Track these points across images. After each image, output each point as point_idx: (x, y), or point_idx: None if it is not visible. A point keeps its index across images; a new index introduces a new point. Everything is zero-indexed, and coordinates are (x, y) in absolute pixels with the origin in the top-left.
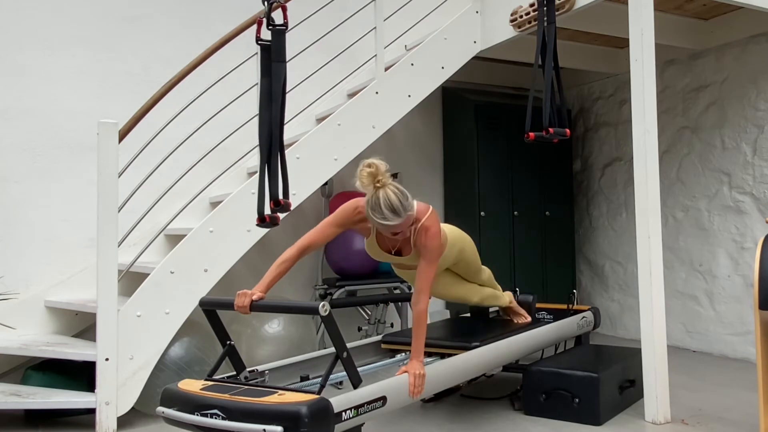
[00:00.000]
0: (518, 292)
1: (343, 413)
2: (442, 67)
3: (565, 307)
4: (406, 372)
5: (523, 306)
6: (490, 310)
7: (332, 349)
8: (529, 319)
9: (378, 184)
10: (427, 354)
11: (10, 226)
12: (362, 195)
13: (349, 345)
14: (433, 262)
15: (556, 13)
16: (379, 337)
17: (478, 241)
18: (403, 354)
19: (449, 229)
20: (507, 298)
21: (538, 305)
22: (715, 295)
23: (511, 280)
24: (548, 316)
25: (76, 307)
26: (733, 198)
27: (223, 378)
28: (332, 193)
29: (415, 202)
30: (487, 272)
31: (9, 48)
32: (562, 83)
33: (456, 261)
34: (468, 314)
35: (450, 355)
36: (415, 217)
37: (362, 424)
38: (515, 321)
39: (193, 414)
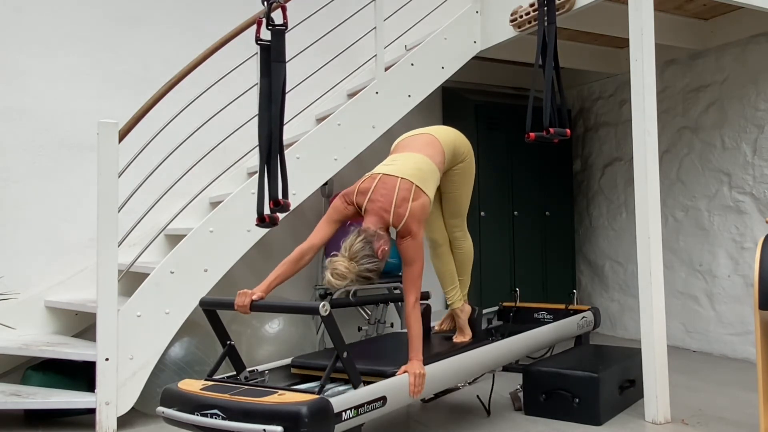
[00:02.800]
0: (518, 293)
1: (343, 413)
2: (442, 67)
3: (564, 307)
4: (406, 372)
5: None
6: (432, 326)
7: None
8: (467, 339)
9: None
10: (344, 381)
11: (10, 226)
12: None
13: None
14: (411, 263)
15: (556, 13)
16: (288, 360)
17: (478, 241)
18: (316, 383)
19: (460, 138)
20: (460, 301)
21: (537, 305)
22: (715, 295)
23: (511, 280)
24: (548, 317)
25: (76, 307)
26: (733, 198)
27: (223, 378)
28: (332, 193)
29: (394, 202)
30: (468, 241)
31: (9, 48)
32: (563, 83)
33: (449, 162)
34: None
35: (368, 382)
36: (392, 221)
37: (362, 424)
38: (455, 339)
39: (193, 414)
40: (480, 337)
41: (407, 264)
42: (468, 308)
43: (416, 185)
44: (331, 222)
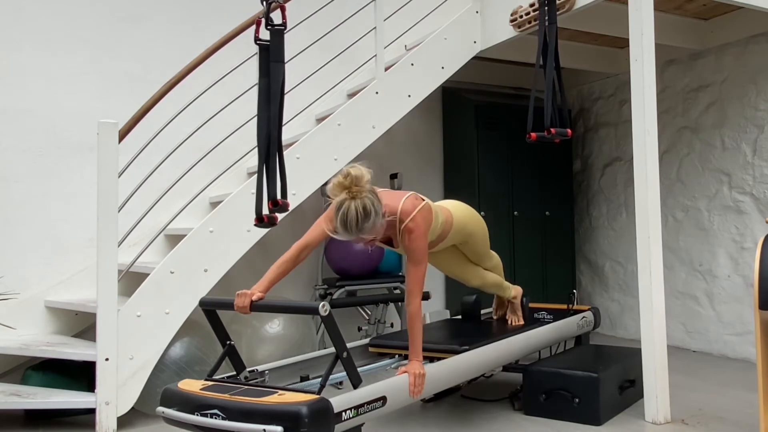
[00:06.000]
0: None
1: (343, 413)
2: (442, 67)
3: (565, 307)
4: (406, 372)
5: None
6: (482, 312)
7: (332, 349)
8: (522, 322)
9: (347, 195)
10: (404, 356)
11: (10, 226)
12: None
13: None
14: (420, 263)
15: (557, 13)
16: (366, 341)
17: None
18: (397, 357)
19: (461, 209)
20: (513, 291)
21: (537, 305)
22: (715, 295)
23: (511, 281)
24: (548, 316)
25: (76, 307)
26: (733, 198)
27: (223, 378)
28: None
29: (403, 200)
30: (495, 259)
31: (9, 48)
32: (563, 83)
33: (463, 242)
34: (459, 316)
35: (438, 358)
36: (399, 217)
37: (362, 424)
38: (508, 321)
39: (193, 414)
40: (528, 321)
41: (415, 263)
42: (518, 289)
43: (425, 201)
44: (329, 220)
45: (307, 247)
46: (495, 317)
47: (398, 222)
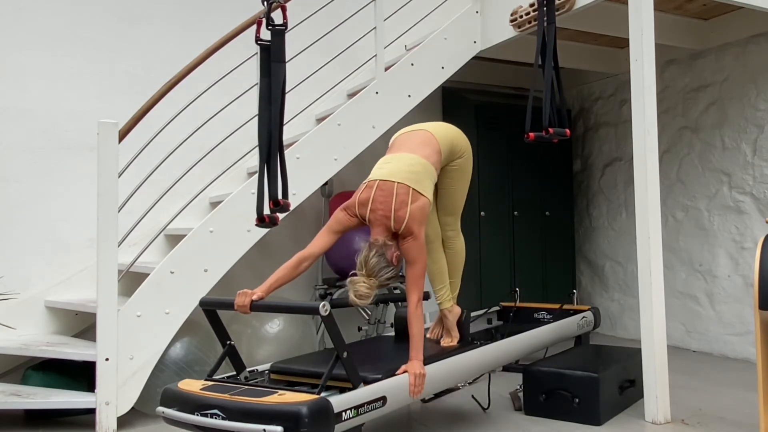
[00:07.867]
0: (518, 293)
1: (343, 413)
2: (442, 67)
3: (565, 307)
4: (406, 372)
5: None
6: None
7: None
8: (455, 343)
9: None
10: (311, 386)
11: (10, 226)
12: (353, 193)
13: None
14: (414, 263)
15: (556, 13)
16: (267, 366)
17: (478, 241)
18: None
19: (447, 130)
20: (449, 303)
21: (537, 305)
22: (715, 295)
23: (511, 280)
24: (548, 317)
25: (76, 307)
26: (733, 198)
27: (223, 378)
28: (332, 193)
29: (393, 205)
30: (459, 240)
31: (9, 48)
32: (562, 83)
33: (446, 158)
34: (393, 334)
35: (346, 389)
36: (393, 227)
37: (362, 424)
38: (442, 342)
39: (193, 414)
40: (466, 342)
41: (410, 264)
42: (457, 310)
43: (413, 188)
44: (332, 232)
45: (308, 258)
46: (429, 335)
47: (393, 228)
